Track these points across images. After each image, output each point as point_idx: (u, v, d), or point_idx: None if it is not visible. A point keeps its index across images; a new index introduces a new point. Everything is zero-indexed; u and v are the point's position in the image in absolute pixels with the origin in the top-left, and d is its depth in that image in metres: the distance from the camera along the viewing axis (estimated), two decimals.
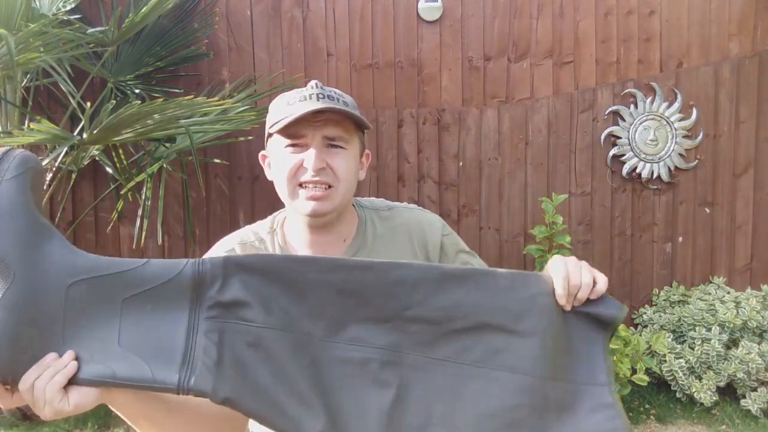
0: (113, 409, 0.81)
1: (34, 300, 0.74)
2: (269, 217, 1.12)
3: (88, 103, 2.46)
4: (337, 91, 1.02)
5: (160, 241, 3.24)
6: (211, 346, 0.79)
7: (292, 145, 0.99)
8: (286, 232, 1.08)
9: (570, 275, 0.86)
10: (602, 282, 0.87)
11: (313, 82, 1.02)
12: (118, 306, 0.77)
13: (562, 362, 0.85)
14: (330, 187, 0.98)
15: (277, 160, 1.01)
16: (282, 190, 1.02)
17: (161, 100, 2.49)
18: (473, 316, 0.85)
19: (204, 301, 0.80)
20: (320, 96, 0.98)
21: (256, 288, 0.81)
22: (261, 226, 1.11)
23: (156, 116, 2.52)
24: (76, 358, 0.75)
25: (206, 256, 1.01)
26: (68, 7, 2.82)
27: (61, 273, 0.76)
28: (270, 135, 1.03)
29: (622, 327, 3.02)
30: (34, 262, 0.75)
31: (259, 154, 1.10)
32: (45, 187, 3.07)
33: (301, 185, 0.99)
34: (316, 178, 0.97)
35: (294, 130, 0.97)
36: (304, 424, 0.78)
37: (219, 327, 0.80)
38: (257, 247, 1.06)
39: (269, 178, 1.07)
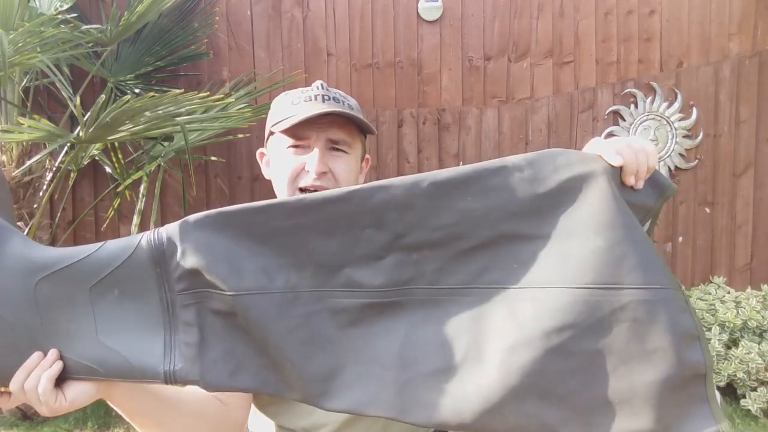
0: (111, 405, 0.81)
1: (7, 304, 0.72)
2: None
3: (78, 98, 2.45)
4: (341, 93, 1.00)
5: None
6: (189, 325, 0.72)
7: (295, 146, 0.97)
8: None
9: (628, 146, 0.68)
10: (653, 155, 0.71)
11: (318, 83, 1.00)
12: (88, 295, 0.73)
13: (616, 263, 0.64)
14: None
15: (278, 160, 0.99)
16: (281, 191, 1.00)
17: (151, 95, 2.47)
18: (486, 229, 0.68)
19: (171, 274, 0.72)
20: (326, 97, 0.96)
21: (222, 250, 0.71)
22: None
23: (149, 113, 2.51)
24: (62, 356, 0.74)
25: None
26: (65, 6, 2.82)
27: (25, 273, 0.73)
28: (272, 133, 1.01)
29: None
30: None
31: (257, 152, 1.09)
32: (45, 187, 3.07)
33: (301, 189, 0.97)
34: (318, 183, 0.95)
35: (298, 131, 0.96)
36: (306, 391, 0.70)
37: (192, 300, 0.72)
38: None
39: (266, 176, 1.05)
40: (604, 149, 0.68)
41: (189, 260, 0.71)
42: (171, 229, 0.73)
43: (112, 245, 0.74)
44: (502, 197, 0.68)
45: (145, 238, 0.73)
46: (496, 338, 0.66)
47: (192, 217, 0.73)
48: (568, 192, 0.67)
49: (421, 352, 0.69)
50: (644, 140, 0.71)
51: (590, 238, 0.64)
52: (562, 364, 0.63)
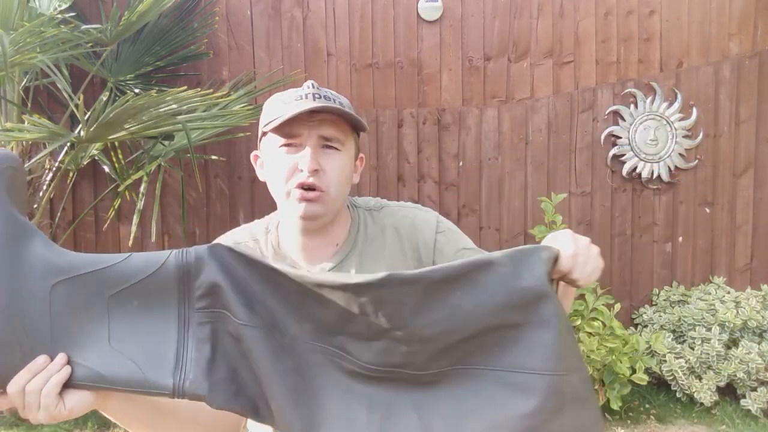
0: (105, 415, 0.80)
1: (18, 302, 0.72)
2: (266, 217, 1.11)
3: (81, 96, 2.44)
4: (333, 92, 1.00)
5: (154, 239, 3.24)
6: (203, 342, 0.75)
7: (287, 145, 0.97)
8: (279, 233, 1.07)
9: (579, 255, 0.77)
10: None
11: (309, 82, 1.00)
12: (105, 304, 0.74)
13: (573, 349, 0.74)
14: (323, 190, 0.97)
15: (271, 160, 1.00)
16: (275, 191, 1.00)
17: (155, 91, 2.47)
18: (475, 323, 0.73)
19: (193, 292, 0.76)
20: (316, 96, 0.97)
21: (241, 282, 0.76)
22: (257, 226, 1.09)
23: (151, 110, 2.51)
24: (69, 361, 0.73)
25: None
26: (63, 6, 2.81)
27: (43, 274, 0.73)
28: (264, 134, 1.01)
29: (618, 325, 3.02)
30: (16, 265, 0.72)
31: (251, 154, 1.09)
32: (45, 187, 3.07)
33: (295, 187, 0.97)
34: (311, 180, 0.95)
35: (289, 129, 0.96)
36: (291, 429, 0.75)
37: (209, 319, 0.76)
38: (251, 248, 1.05)
39: (261, 178, 1.05)
40: (565, 252, 0.76)
41: (213, 280, 0.75)
42: (200, 250, 0.77)
43: (139, 258, 0.76)
44: (489, 292, 0.73)
45: (174, 255, 0.76)
46: (474, 417, 0.72)
47: (221, 248, 0.78)
48: (542, 285, 0.73)
49: (400, 427, 0.74)
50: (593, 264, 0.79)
51: (557, 327, 0.72)
52: None
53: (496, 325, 0.73)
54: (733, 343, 3.14)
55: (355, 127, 1.01)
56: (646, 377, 2.92)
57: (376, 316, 0.75)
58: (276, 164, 0.98)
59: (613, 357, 2.86)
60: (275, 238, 1.06)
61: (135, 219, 3.15)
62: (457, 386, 0.74)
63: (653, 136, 3.50)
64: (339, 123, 0.98)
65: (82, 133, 2.60)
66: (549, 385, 0.70)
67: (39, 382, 0.71)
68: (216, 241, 1.06)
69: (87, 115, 2.59)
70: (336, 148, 0.98)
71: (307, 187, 0.95)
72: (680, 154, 3.52)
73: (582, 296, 3.18)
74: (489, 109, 3.51)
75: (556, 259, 0.75)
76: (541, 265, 0.73)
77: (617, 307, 3.11)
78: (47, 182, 3.07)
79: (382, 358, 0.75)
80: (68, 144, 2.77)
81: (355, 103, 1.07)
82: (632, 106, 3.50)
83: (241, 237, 1.07)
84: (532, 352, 0.72)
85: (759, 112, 3.54)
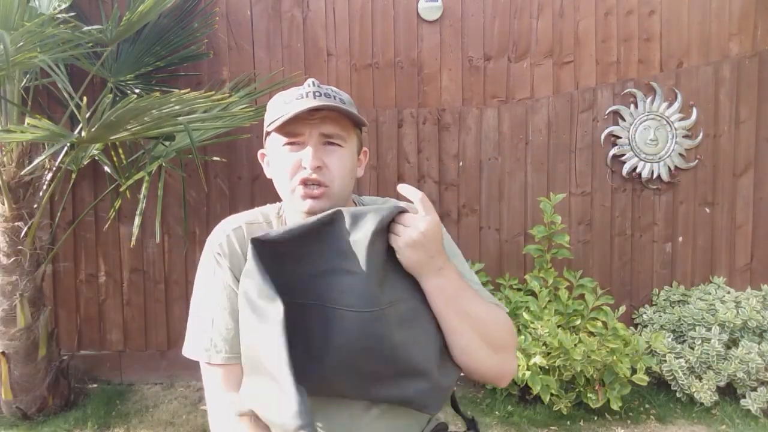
0: None
1: None
2: (278, 203, 1.14)
3: (84, 98, 2.45)
4: (334, 89, 1.03)
5: (158, 240, 3.25)
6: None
7: (290, 143, 1.00)
8: (288, 223, 1.09)
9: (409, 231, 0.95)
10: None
11: (310, 81, 1.03)
12: None
13: (399, 286, 0.96)
14: (326, 186, 1.00)
15: (276, 158, 1.03)
16: (281, 188, 1.03)
17: (157, 93, 2.47)
18: (324, 262, 0.95)
19: None
20: (317, 94, 1.00)
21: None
22: (269, 209, 1.12)
23: (154, 112, 2.50)
24: None
25: (213, 233, 1.06)
26: (63, 6, 2.81)
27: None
28: (268, 133, 1.05)
29: (621, 326, 3.02)
30: None
31: (258, 153, 1.12)
32: (45, 187, 3.07)
33: (299, 183, 1.00)
34: (314, 176, 0.98)
35: (291, 128, 0.99)
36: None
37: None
38: (264, 228, 1.08)
39: (268, 176, 1.09)
40: (407, 229, 0.96)
41: None
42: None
43: None
44: (330, 240, 0.94)
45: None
46: (330, 341, 0.92)
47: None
48: (371, 240, 0.92)
49: (296, 347, 0.92)
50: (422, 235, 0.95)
51: (377, 274, 0.93)
52: (370, 355, 0.92)
53: (337, 268, 0.93)
54: (733, 343, 3.14)
55: (356, 122, 1.03)
56: (646, 378, 2.92)
57: (291, 262, 0.95)
58: (280, 162, 1.01)
59: (614, 357, 2.86)
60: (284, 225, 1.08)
61: (137, 220, 3.15)
62: (319, 317, 0.93)
63: (653, 136, 3.50)
64: (340, 120, 1.00)
65: (83, 133, 2.60)
66: (369, 316, 0.91)
67: None
68: (227, 219, 1.10)
69: (88, 114, 2.59)
70: (338, 145, 1.01)
71: (311, 183, 0.99)
72: (680, 154, 3.52)
73: (582, 296, 3.18)
74: (489, 109, 3.52)
75: (387, 222, 0.96)
76: (369, 225, 0.93)
77: (621, 309, 3.11)
78: (47, 182, 3.08)
79: (285, 291, 0.94)
80: (68, 144, 2.77)
81: (355, 103, 1.09)
82: (632, 106, 3.51)
83: (252, 217, 1.10)
84: (353, 294, 0.92)
85: (759, 112, 3.55)
